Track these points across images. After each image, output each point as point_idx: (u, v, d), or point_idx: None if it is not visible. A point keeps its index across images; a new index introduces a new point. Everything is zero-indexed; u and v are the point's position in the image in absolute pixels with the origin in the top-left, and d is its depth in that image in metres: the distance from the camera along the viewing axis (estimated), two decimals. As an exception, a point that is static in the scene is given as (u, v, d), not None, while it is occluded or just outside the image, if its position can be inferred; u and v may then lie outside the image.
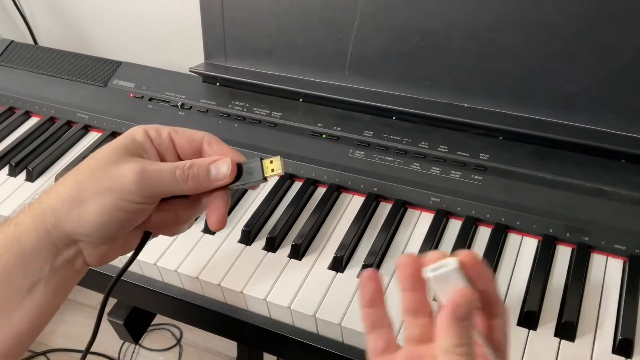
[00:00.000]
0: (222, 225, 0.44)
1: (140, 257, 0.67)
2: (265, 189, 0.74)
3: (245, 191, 0.75)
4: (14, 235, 0.41)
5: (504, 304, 0.40)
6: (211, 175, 0.43)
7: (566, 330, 0.55)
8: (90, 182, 0.42)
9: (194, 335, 1.55)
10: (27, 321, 0.42)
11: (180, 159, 0.46)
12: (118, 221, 0.42)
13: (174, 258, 0.66)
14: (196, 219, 0.53)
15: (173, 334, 1.56)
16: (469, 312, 0.36)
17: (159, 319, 1.52)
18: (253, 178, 0.45)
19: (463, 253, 0.38)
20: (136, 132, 0.45)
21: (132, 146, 0.44)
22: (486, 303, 0.38)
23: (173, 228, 0.47)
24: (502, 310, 0.40)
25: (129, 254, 0.47)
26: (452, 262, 0.37)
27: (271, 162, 0.45)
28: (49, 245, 0.41)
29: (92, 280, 0.75)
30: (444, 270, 0.37)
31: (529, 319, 0.56)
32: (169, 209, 0.45)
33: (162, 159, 0.45)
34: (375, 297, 0.40)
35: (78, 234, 0.42)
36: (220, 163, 0.44)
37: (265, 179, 0.45)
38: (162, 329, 1.57)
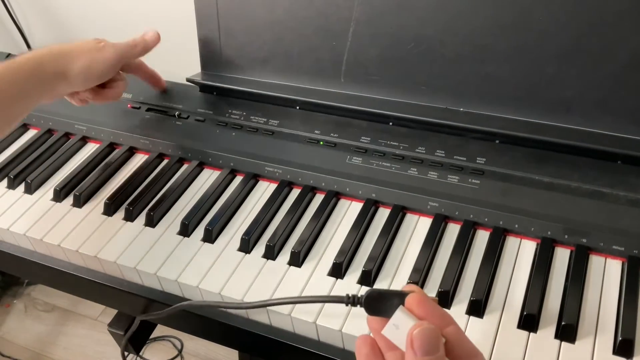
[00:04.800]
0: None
1: (138, 266, 0.67)
2: (263, 197, 0.74)
3: (243, 199, 0.75)
4: None
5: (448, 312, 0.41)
6: None
7: (566, 332, 0.55)
8: None
9: (195, 345, 1.55)
10: None
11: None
12: None
13: (174, 267, 0.66)
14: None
15: (174, 345, 1.55)
16: (431, 344, 0.37)
17: (160, 330, 1.52)
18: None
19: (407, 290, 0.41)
20: None
21: None
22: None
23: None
24: (449, 318, 0.41)
25: None
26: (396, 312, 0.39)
27: None
28: None
29: (91, 290, 0.75)
30: (391, 321, 0.39)
31: (529, 321, 0.56)
32: None
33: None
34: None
35: None
36: None
37: None
38: (164, 340, 1.56)
